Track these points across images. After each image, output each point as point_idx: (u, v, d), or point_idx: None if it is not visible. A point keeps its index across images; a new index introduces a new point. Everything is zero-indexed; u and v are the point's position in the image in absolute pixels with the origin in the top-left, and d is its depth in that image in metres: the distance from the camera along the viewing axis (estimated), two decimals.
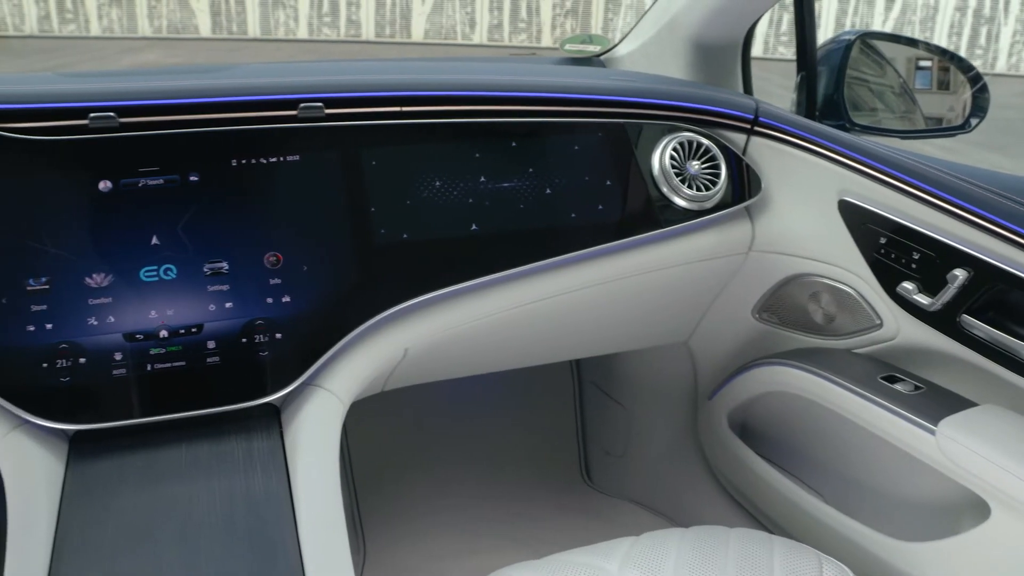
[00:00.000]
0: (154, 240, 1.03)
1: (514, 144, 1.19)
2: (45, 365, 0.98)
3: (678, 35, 1.54)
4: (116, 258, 1.02)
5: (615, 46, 1.69)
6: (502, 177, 1.18)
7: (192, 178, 1.05)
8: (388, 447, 1.89)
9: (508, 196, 1.17)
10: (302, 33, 10.32)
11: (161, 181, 1.05)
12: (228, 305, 1.04)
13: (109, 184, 1.03)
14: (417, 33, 10.43)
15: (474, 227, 1.15)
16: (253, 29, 10.36)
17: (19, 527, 0.91)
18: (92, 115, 1.04)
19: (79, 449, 1.00)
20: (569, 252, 1.19)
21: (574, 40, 1.70)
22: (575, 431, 1.98)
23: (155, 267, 1.03)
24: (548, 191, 1.19)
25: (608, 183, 1.22)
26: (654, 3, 1.61)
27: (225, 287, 1.04)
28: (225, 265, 1.04)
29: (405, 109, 1.16)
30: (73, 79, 1.15)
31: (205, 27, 10.40)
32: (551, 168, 1.20)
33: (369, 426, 1.81)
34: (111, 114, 1.05)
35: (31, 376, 0.98)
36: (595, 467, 1.95)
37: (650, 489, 1.83)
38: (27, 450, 0.97)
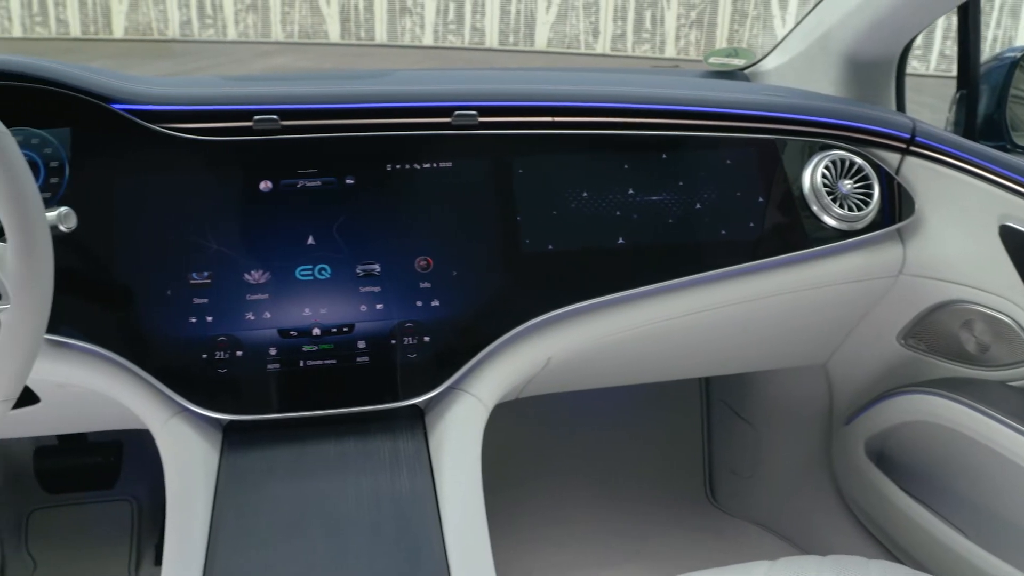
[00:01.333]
0: (310, 240, 1.06)
1: (664, 157, 1.18)
2: (205, 356, 1.02)
3: (831, 50, 1.50)
4: (274, 256, 1.05)
5: (760, 60, 1.66)
6: (651, 190, 1.17)
7: (348, 181, 1.08)
8: (511, 453, 1.90)
9: (656, 210, 1.16)
10: (427, 40, 10.51)
11: (319, 183, 1.08)
12: (379, 306, 1.06)
13: (269, 184, 1.07)
14: (540, 42, 10.49)
15: (621, 240, 1.14)
16: (380, 35, 10.60)
17: (178, 510, 0.95)
18: (256, 118, 1.08)
19: (232, 439, 1.03)
20: (717, 269, 1.17)
21: (719, 53, 1.68)
22: (701, 449, 1.95)
23: (310, 266, 1.06)
24: (698, 206, 1.17)
25: (759, 200, 1.20)
26: (803, 17, 1.58)
27: (376, 288, 1.06)
28: (377, 267, 1.07)
29: (557, 119, 1.16)
30: (237, 83, 1.19)
31: (334, 32, 10.70)
32: (701, 183, 1.18)
33: (493, 431, 1.83)
34: (274, 117, 1.08)
35: (191, 366, 1.03)
36: (720, 486, 1.92)
37: (776, 512, 1.79)
38: (186, 437, 1.01)
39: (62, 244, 0.89)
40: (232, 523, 0.92)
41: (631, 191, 1.16)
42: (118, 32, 10.95)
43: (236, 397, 1.03)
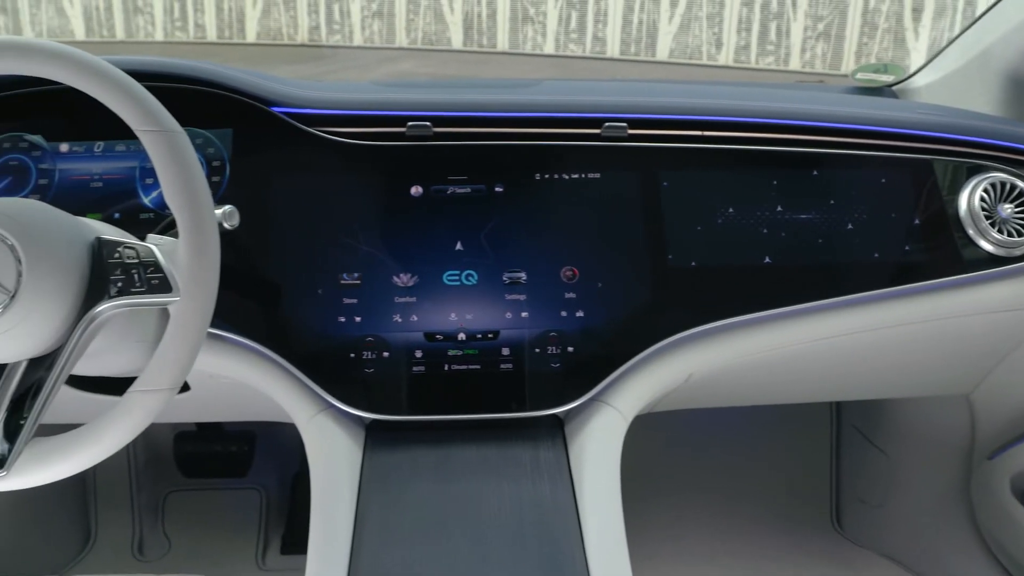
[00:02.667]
0: (458, 246, 1.08)
1: (815, 174, 1.15)
2: (352, 355, 1.05)
3: (991, 67, 1.44)
4: (422, 260, 1.08)
5: (911, 76, 1.61)
6: (800, 208, 1.14)
7: (497, 188, 1.09)
8: (633, 465, 1.88)
9: (806, 228, 1.14)
10: (548, 48, 10.54)
11: (468, 190, 1.09)
12: (524, 315, 1.07)
13: (420, 189, 1.09)
14: (662, 52, 10.39)
15: (767, 259, 1.12)
16: (502, 43, 10.69)
17: (323, 505, 0.98)
18: (410, 124, 1.10)
19: (375, 437, 1.06)
20: (867, 291, 1.14)
21: (866, 69, 1.63)
22: (828, 474, 1.90)
23: (457, 272, 1.07)
24: (849, 226, 1.14)
25: (914, 222, 1.16)
26: (959, 34, 1.52)
27: (522, 297, 1.07)
28: (523, 275, 1.08)
29: (707, 134, 1.15)
30: (391, 89, 1.22)
31: (457, 40, 10.84)
32: (853, 202, 1.15)
33: None
34: (427, 123, 1.10)
35: (339, 364, 1.05)
36: (847, 514, 1.86)
37: (907, 545, 1.72)
38: (331, 433, 1.04)
39: (222, 241, 0.93)
40: (376, 519, 0.94)
41: (779, 208, 1.14)
42: (251, 36, 11.36)
43: (381, 397, 1.05)
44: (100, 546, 1.79)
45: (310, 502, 1.79)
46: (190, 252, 0.83)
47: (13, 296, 0.78)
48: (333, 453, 1.02)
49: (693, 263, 1.12)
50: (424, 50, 10.65)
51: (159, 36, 11.49)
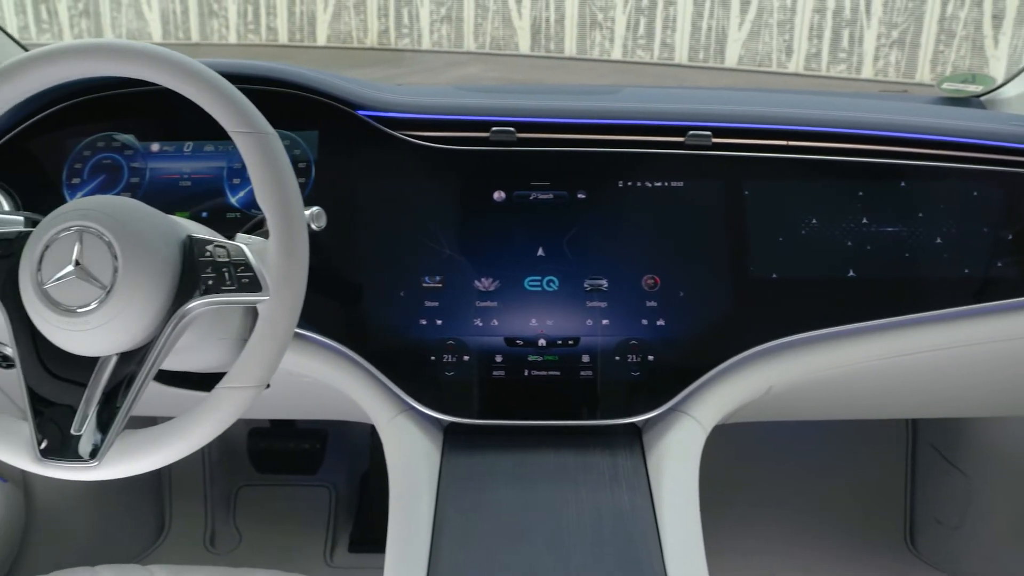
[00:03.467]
0: (540, 252, 1.08)
1: (903, 186, 1.13)
2: (433, 358, 1.06)
3: None
4: (504, 265, 1.08)
5: (1000, 87, 1.57)
6: (887, 221, 1.12)
7: (580, 195, 1.09)
8: (705, 477, 1.87)
9: (892, 241, 1.11)
10: (616, 54, 10.51)
11: (551, 196, 1.09)
12: (604, 322, 1.06)
13: (503, 195, 1.09)
14: (731, 59, 10.29)
15: (851, 272, 1.10)
16: (569, 48, 10.69)
17: (402, 506, 0.98)
18: (494, 129, 1.11)
19: (453, 440, 1.06)
20: (955, 307, 1.11)
21: (954, 79, 1.59)
22: (903, 494, 1.85)
23: (539, 277, 1.08)
24: (938, 240, 1.12)
25: (1007, 237, 1.13)
26: None
27: (603, 304, 1.07)
28: (604, 283, 1.07)
29: (792, 143, 1.13)
30: (475, 94, 1.22)
31: (524, 45, 10.87)
32: (943, 215, 1.12)
33: None
34: (511, 129, 1.11)
35: (419, 366, 1.06)
36: (922, 536, 1.82)
37: (985, 569, 1.68)
38: (410, 435, 1.05)
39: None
40: (455, 522, 0.94)
41: (865, 221, 1.12)
42: (321, 40, 11.54)
43: (460, 400, 1.06)
44: (173, 536, 1.83)
45: (379, 501, 1.82)
46: (280, 252, 0.84)
47: (109, 291, 0.81)
48: (412, 455, 1.03)
49: (776, 274, 1.10)
50: (491, 54, 10.70)
51: (232, 39, 11.74)
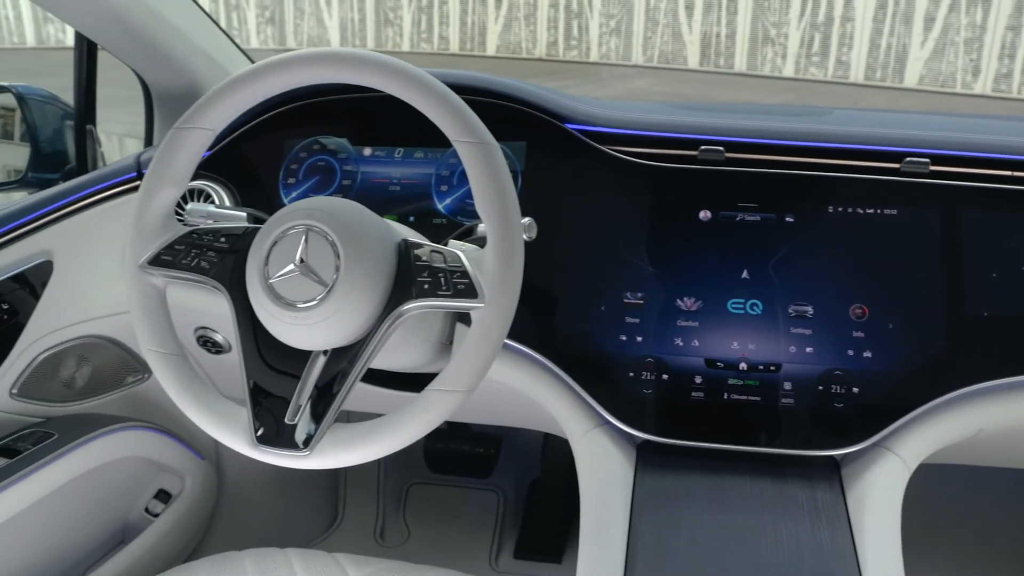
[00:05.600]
0: (744, 274, 1.06)
1: None
2: (631, 375, 1.05)
3: None
4: (707, 286, 1.06)
5: None
6: None
7: (788, 219, 1.07)
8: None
9: None
10: (788, 71, 10.25)
11: (758, 218, 1.07)
12: (808, 350, 1.03)
13: (708, 214, 1.08)
14: (911, 79, 9.85)
15: None
16: (739, 64, 10.50)
17: (594, 521, 0.98)
18: (702, 147, 1.10)
19: (646, 458, 1.05)
20: None
21: None
22: None
23: (742, 300, 1.06)
24: None
25: None
26: None
27: (807, 331, 1.04)
28: (810, 309, 1.04)
29: (1017, 174, 1.07)
30: (682, 111, 1.22)
31: (693, 59, 10.75)
32: None
33: None
34: (720, 148, 1.09)
35: (617, 382, 1.06)
36: None
37: None
38: (604, 450, 1.05)
39: None
40: (650, 543, 0.94)
41: None
42: (491, 50, 11.77)
43: (657, 418, 1.05)
44: (345, 527, 1.89)
45: (547, 509, 1.83)
46: (498, 260, 0.85)
47: (330, 289, 0.84)
48: (605, 470, 1.03)
49: (993, 312, 1.04)
50: (659, 68, 10.65)
51: (405, 47, 12.13)
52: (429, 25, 12.07)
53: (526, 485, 1.91)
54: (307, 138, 1.24)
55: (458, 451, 1.87)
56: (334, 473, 1.91)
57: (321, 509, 1.89)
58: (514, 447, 1.91)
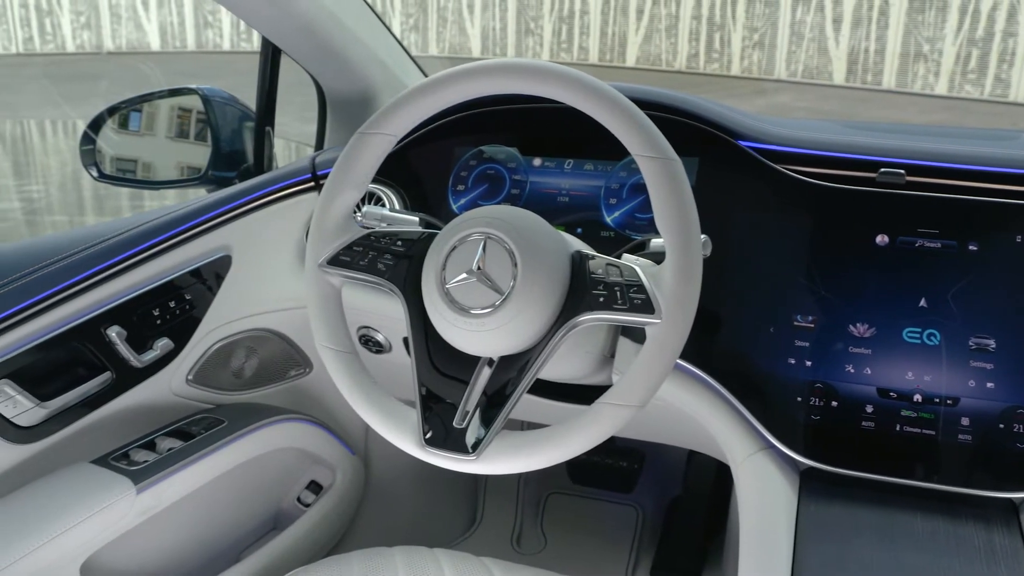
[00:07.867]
0: (922, 302, 1.02)
1: None
2: (799, 399, 1.03)
3: None
4: (882, 313, 1.03)
5: None
6: None
7: (971, 247, 1.02)
8: None
9: None
10: (940, 89, 9.81)
11: (938, 244, 1.03)
12: (989, 385, 0.99)
13: (886, 239, 1.05)
14: None
15: None
16: (888, 80, 10.12)
17: (756, 547, 0.96)
18: (882, 170, 1.07)
19: (810, 486, 1.03)
20: None
21: None
22: None
23: (919, 329, 1.02)
24: None
25: None
26: None
27: (989, 365, 0.99)
28: (992, 343, 1.00)
29: None
30: (859, 131, 1.19)
31: (839, 75, 10.43)
32: None
33: None
34: (900, 171, 1.06)
35: (784, 406, 1.04)
36: None
37: None
38: (766, 474, 1.03)
39: None
40: (817, 574, 0.91)
41: None
42: (630, 61, 11.72)
43: (824, 445, 1.02)
44: (483, 530, 1.91)
45: (687, 529, 1.80)
46: (677, 277, 0.85)
47: (506, 298, 0.85)
48: (768, 494, 1.01)
49: None
50: (803, 83, 10.37)
51: (545, 56, 12.21)
52: (569, 35, 12.11)
53: (666, 502, 1.89)
54: (476, 146, 1.26)
55: (601, 464, 1.87)
56: (475, 477, 1.93)
57: (461, 511, 1.91)
58: (657, 463, 1.89)
